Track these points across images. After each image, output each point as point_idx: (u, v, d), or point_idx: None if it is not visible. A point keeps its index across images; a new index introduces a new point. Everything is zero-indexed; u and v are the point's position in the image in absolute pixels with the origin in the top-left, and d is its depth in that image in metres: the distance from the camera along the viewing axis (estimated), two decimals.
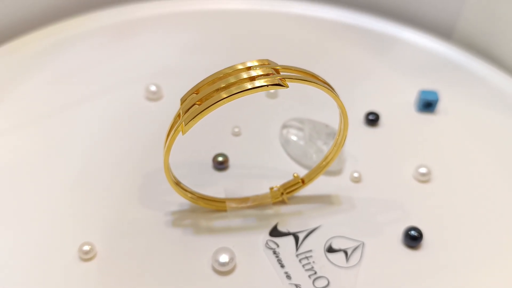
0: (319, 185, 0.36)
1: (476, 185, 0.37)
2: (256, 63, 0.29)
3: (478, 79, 0.47)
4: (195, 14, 0.53)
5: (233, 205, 0.34)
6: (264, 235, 0.33)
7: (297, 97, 0.43)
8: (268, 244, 0.33)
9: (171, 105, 0.35)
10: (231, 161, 0.38)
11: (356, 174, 0.37)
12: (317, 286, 0.30)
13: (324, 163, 0.34)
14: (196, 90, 0.29)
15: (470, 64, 0.49)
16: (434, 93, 0.42)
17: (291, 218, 0.34)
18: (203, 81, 0.29)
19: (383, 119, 0.42)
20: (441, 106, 0.43)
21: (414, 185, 0.37)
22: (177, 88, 0.35)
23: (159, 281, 0.31)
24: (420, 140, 0.40)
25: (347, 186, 0.37)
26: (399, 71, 0.48)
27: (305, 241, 0.33)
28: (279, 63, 0.29)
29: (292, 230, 0.34)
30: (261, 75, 0.28)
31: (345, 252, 0.32)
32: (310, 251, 0.32)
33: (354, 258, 0.32)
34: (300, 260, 0.32)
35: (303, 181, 0.35)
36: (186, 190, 0.32)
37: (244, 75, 0.28)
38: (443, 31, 0.52)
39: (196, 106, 0.28)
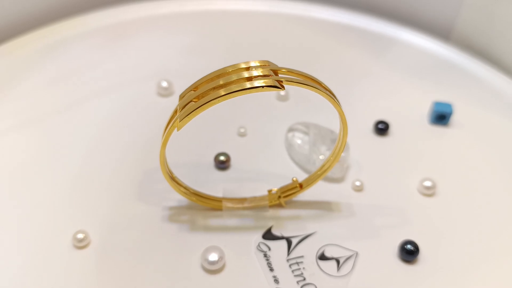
0: (319, 191, 0.36)
1: (480, 203, 0.36)
2: (257, 64, 0.29)
3: (476, 80, 0.47)
4: (194, 15, 0.53)
5: (229, 205, 0.34)
6: (257, 237, 0.33)
7: (307, 101, 0.43)
8: (259, 247, 0.32)
9: (174, 104, 0.35)
10: (234, 161, 0.38)
11: (358, 183, 0.36)
12: None
13: (319, 172, 0.33)
14: (194, 87, 0.29)
15: (468, 65, 0.48)
16: (448, 105, 0.41)
17: (287, 222, 0.34)
18: (202, 78, 0.29)
19: (393, 129, 0.41)
20: (455, 118, 0.42)
21: (417, 198, 0.36)
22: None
23: (148, 273, 0.31)
24: (428, 153, 0.39)
25: (348, 194, 0.36)
26: (397, 72, 0.47)
27: (297, 246, 0.33)
28: (278, 64, 0.29)
29: (286, 234, 0.33)
30: (259, 76, 0.28)
31: (337, 261, 0.32)
32: (302, 257, 0.32)
33: (346, 268, 0.31)
34: (290, 265, 0.31)
35: (301, 186, 0.34)
36: (180, 185, 0.32)
37: (243, 75, 0.28)
38: (441, 32, 0.52)
39: (193, 103, 0.28)
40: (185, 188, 0.33)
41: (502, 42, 0.47)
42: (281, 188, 0.35)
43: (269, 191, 0.35)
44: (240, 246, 0.33)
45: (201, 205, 0.34)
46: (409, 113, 0.43)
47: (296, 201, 0.36)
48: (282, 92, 0.43)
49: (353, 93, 0.44)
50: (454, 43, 0.52)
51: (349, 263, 0.32)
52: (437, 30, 0.53)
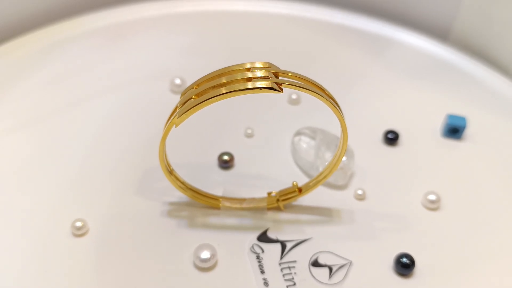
0: (321, 197, 0.36)
1: (484, 222, 0.35)
2: (258, 65, 0.29)
3: (474, 80, 0.47)
4: (193, 16, 0.53)
5: (228, 204, 0.34)
6: (252, 238, 0.33)
7: (319, 106, 0.42)
8: (253, 248, 0.32)
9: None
10: (238, 162, 0.38)
11: (360, 192, 0.36)
12: None
13: (318, 178, 0.33)
14: (196, 84, 0.30)
15: (466, 65, 0.48)
16: (462, 119, 0.40)
17: (285, 226, 0.34)
18: (204, 76, 0.30)
19: (403, 139, 0.40)
20: (469, 132, 0.41)
21: (419, 211, 0.35)
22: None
23: (141, 264, 0.31)
24: (437, 166, 0.38)
25: (350, 202, 0.36)
26: (395, 73, 0.47)
27: (291, 251, 0.32)
28: (278, 65, 0.29)
29: (281, 238, 0.33)
30: (259, 77, 0.28)
31: (330, 269, 0.31)
32: (294, 261, 0.32)
33: (338, 276, 0.31)
34: (281, 269, 0.31)
35: (300, 191, 0.34)
36: (177, 179, 0.33)
37: (243, 75, 0.28)
38: (439, 32, 0.52)
39: (192, 100, 0.29)
40: (182, 182, 0.33)
41: (500, 43, 0.47)
42: (280, 191, 0.34)
43: (269, 193, 0.35)
44: (234, 246, 0.33)
45: (200, 203, 0.35)
46: (422, 124, 0.42)
47: (297, 205, 0.35)
48: (293, 96, 0.43)
49: (358, 98, 0.44)
50: (452, 43, 0.52)
51: (342, 272, 0.31)
52: (435, 30, 0.53)
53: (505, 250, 0.33)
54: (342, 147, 0.31)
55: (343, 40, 0.51)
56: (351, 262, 0.32)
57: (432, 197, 0.35)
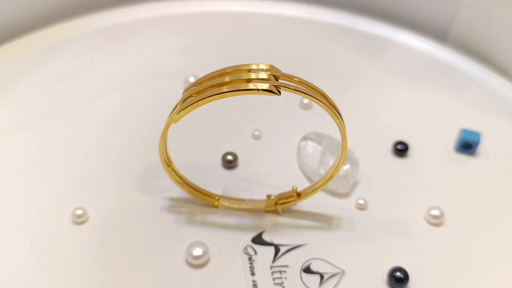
0: (321, 204, 0.35)
1: (487, 242, 0.33)
2: (259, 67, 0.29)
3: (473, 81, 0.46)
4: (192, 17, 0.53)
5: (226, 203, 0.34)
6: (247, 239, 0.33)
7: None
8: (246, 249, 0.32)
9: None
10: (242, 162, 0.38)
11: (361, 201, 0.35)
12: None
13: (317, 185, 0.33)
14: (198, 82, 0.30)
15: (465, 66, 0.48)
16: (476, 134, 0.39)
17: (281, 229, 0.34)
18: (206, 75, 0.30)
19: (413, 151, 0.39)
20: (482, 147, 0.40)
21: (421, 226, 0.34)
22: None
23: (134, 256, 0.32)
24: (444, 181, 0.37)
25: (350, 211, 0.35)
26: (394, 74, 0.47)
27: (285, 255, 0.32)
28: (278, 66, 0.29)
29: (276, 241, 0.33)
30: (259, 79, 0.28)
31: (321, 276, 0.31)
32: (286, 266, 0.32)
33: (328, 285, 0.31)
34: (272, 273, 0.31)
35: (298, 195, 0.34)
36: (176, 173, 0.33)
37: (243, 76, 0.28)
38: (438, 33, 0.52)
39: (192, 97, 0.29)
40: (180, 177, 0.33)
41: (499, 44, 0.46)
42: (279, 195, 0.34)
43: (268, 196, 0.34)
44: (228, 246, 0.33)
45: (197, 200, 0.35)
46: (434, 137, 0.41)
47: (296, 210, 0.35)
48: (305, 101, 0.43)
49: (358, 99, 0.44)
50: (451, 44, 0.51)
51: (333, 281, 0.31)
52: (434, 31, 0.52)
53: (505, 275, 0.32)
54: (340, 157, 0.31)
55: (342, 41, 0.51)
56: (343, 272, 0.31)
57: (435, 212, 0.34)
